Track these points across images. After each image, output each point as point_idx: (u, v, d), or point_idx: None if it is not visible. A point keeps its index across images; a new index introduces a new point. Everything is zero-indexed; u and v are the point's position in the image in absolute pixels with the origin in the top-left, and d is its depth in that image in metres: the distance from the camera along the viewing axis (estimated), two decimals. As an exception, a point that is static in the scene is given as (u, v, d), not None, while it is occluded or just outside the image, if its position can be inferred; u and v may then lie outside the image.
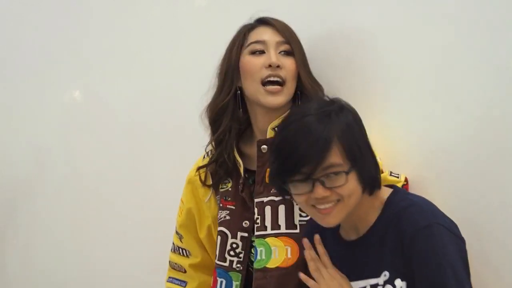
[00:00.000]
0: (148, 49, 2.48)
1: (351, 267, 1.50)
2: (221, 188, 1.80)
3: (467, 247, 1.48)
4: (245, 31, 1.76)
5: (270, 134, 1.72)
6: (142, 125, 2.51)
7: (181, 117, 2.37)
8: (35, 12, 2.89)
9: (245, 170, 1.77)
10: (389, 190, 1.52)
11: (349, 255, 1.51)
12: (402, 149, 1.77)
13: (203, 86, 2.24)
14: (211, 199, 1.85)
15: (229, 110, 1.74)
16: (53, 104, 2.83)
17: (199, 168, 1.84)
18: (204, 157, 1.88)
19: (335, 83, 1.86)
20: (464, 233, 1.55)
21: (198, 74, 2.27)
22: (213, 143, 1.79)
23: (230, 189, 1.78)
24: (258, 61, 1.70)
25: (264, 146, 1.71)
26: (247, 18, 1.85)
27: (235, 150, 1.76)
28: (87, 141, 2.71)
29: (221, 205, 1.79)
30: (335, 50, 1.89)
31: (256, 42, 1.72)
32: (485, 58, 1.60)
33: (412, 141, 1.74)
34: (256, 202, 1.71)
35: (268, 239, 1.68)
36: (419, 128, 1.72)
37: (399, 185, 1.65)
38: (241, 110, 1.75)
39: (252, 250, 1.72)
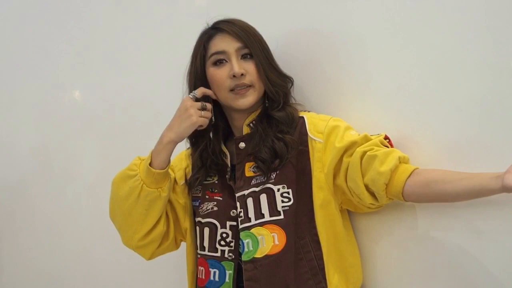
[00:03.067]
0: (148, 49, 2.49)
1: None
2: (206, 181, 1.84)
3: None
4: (203, 42, 1.81)
5: (246, 130, 1.79)
6: (143, 125, 2.51)
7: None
8: (35, 12, 2.90)
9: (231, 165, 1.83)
10: None
11: None
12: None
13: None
14: (185, 186, 1.88)
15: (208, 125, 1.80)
16: (53, 104, 2.83)
17: (196, 177, 1.86)
18: (188, 147, 1.92)
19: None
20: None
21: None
22: (196, 153, 1.84)
23: (216, 181, 1.82)
24: (222, 72, 1.76)
25: (242, 144, 1.77)
26: (246, 18, 1.87)
27: (222, 144, 1.83)
28: (87, 141, 2.72)
29: (207, 196, 1.82)
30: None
31: (217, 53, 1.77)
32: (480, 56, 1.59)
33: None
34: (238, 197, 1.75)
35: (253, 230, 1.71)
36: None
37: (379, 138, 1.67)
38: (213, 118, 1.81)
39: (241, 243, 1.74)
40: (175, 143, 1.76)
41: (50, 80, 2.85)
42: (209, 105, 1.78)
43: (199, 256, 1.83)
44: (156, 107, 2.46)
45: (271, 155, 1.71)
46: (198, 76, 1.80)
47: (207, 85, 1.80)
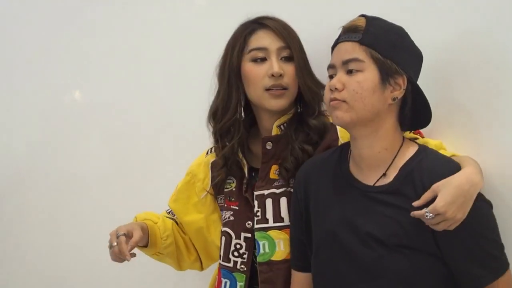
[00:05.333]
0: (148, 48, 2.49)
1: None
2: (226, 188, 1.80)
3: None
4: (245, 34, 1.74)
5: (275, 131, 1.74)
6: (142, 125, 2.51)
7: (181, 116, 2.37)
8: (34, 12, 2.89)
9: (251, 168, 1.78)
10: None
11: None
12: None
13: (203, 85, 2.24)
14: (208, 197, 1.86)
15: (238, 123, 1.76)
16: (53, 104, 2.82)
17: (214, 177, 1.85)
18: (207, 153, 1.88)
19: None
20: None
21: (198, 73, 2.27)
22: (220, 150, 1.80)
23: (234, 189, 1.79)
24: (261, 70, 1.70)
25: (269, 143, 1.73)
26: (246, 19, 1.84)
27: (239, 151, 1.77)
28: (87, 141, 2.71)
29: (225, 205, 1.80)
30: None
31: (258, 49, 1.71)
32: (488, 57, 1.59)
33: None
34: (256, 195, 1.72)
35: (270, 232, 1.69)
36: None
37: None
38: (243, 115, 1.77)
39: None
40: None
41: (50, 80, 2.84)
42: (116, 244, 1.71)
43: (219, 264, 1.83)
44: (157, 106, 2.46)
45: (295, 165, 1.68)
46: (233, 69, 1.73)
47: (240, 79, 1.74)
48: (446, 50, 1.67)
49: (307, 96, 1.71)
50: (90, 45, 2.69)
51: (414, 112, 1.52)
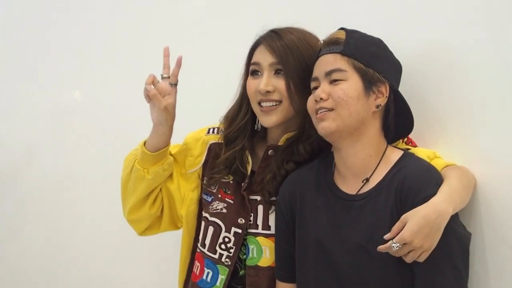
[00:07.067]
0: (148, 49, 2.48)
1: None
2: (223, 179, 1.81)
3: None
4: (251, 48, 1.76)
5: (282, 141, 1.74)
6: (142, 125, 2.50)
7: (180, 117, 2.37)
8: (34, 12, 2.90)
9: (251, 171, 1.79)
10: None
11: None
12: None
13: (203, 86, 2.26)
14: (194, 174, 1.86)
15: (246, 131, 1.77)
16: (53, 104, 2.83)
17: (210, 177, 1.83)
18: (208, 131, 1.88)
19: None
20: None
21: (198, 74, 2.28)
22: (225, 155, 1.80)
23: (231, 182, 1.79)
24: (255, 84, 1.71)
25: (272, 151, 1.74)
26: (246, 19, 1.85)
27: (247, 152, 1.78)
28: (87, 141, 2.72)
29: (219, 195, 1.80)
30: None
31: (254, 64, 1.73)
32: (488, 59, 1.59)
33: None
34: (251, 199, 1.74)
35: (258, 238, 1.72)
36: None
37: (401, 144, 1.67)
38: (259, 125, 1.77)
39: (243, 248, 1.74)
40: (156, 126, 1.80)
41: (50, 80, 2.85)
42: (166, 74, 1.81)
43: (198, 250, 1.83)
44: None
45: (276, 188, 1.71)
46: (244, 83, 1.77)
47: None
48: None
49: (300, 115, 1.68)
50: (90, 45, 2.70)
51: (398, 120, 1.57)
